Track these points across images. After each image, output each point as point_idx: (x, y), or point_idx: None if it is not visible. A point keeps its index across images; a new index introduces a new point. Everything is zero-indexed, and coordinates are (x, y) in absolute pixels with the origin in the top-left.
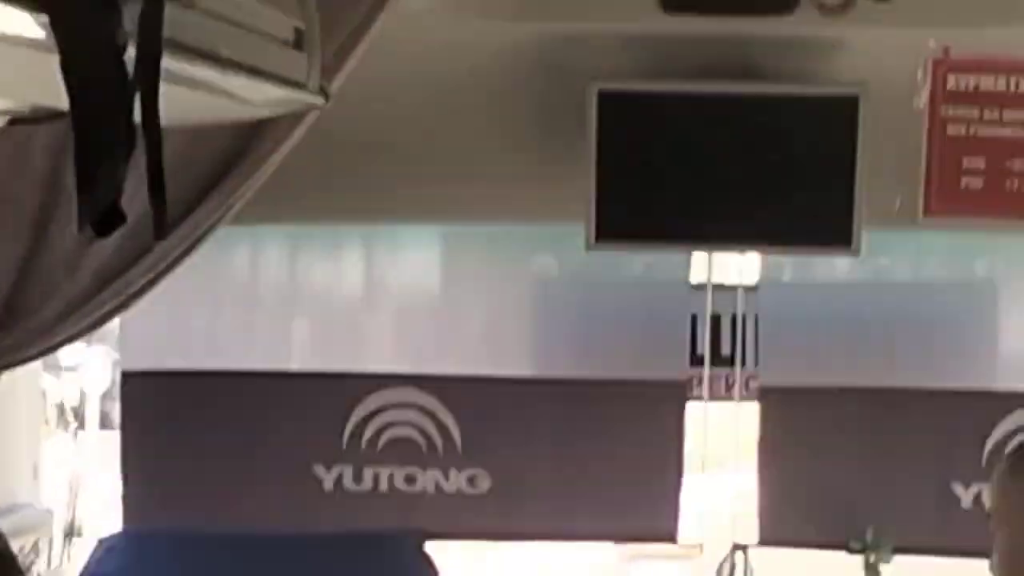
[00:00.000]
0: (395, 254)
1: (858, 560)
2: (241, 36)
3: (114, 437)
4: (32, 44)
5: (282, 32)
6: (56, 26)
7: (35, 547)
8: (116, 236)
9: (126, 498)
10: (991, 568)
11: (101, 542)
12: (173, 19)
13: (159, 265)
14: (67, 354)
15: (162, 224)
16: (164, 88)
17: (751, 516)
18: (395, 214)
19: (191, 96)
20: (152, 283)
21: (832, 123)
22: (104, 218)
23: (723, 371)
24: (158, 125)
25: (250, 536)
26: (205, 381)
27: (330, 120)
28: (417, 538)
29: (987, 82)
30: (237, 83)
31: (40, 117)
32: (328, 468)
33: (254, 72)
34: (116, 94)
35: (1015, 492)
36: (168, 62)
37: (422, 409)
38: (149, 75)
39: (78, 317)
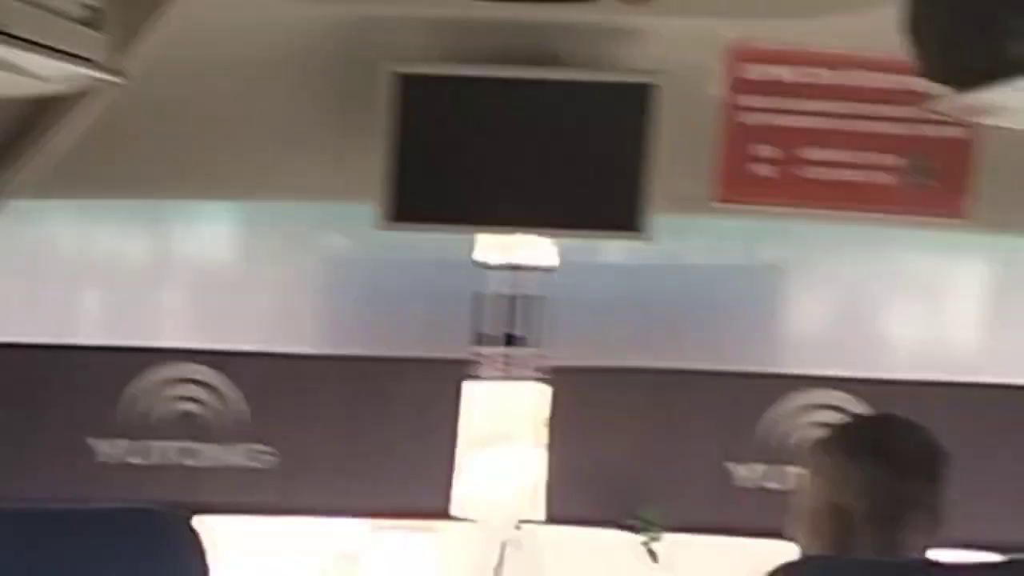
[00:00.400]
0: (187, 229)
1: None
2: (32, 13)
3: None
4: None
5: (75, 9)
6: None
7: None
8: None
9: None
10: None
11: None
12: None
13: None
14: None
15: None
16: None
17: (537, 493)
18: (188, 191)
19: None
20: None
21: (626, 110)
22: None
23: (512, 351)
24: None
25: (22, 511)
26: None
27: (124, 96)
28: (185, 511)
29: (783, 72)
30: (29, 59)
31: None
32: (104, 441)
33: (46, 49)
34: None
35: (810, 463)
36: None
37: (206, 384)
38: None
39: None
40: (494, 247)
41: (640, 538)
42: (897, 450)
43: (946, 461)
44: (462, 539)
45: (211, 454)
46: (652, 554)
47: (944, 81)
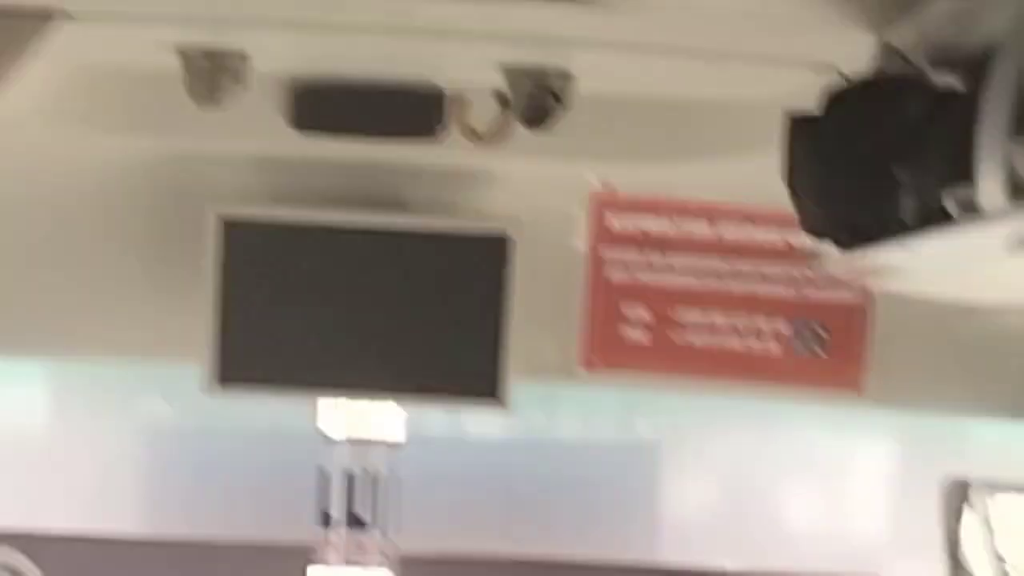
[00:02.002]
0: None
1: None
2: None
3: None
4: None
5: None
6: None
7: None
8: None
9: None
10: None
11: None
12: None
13: None
14: None
15: None
16: None
17: None
18: None
19: None
20: None
21: (479, 262)
22: None
23: (356, 533)
24: None
25: None
26: None
27: None
28: None
29: (653, 223)
30: None
31: None
32: None
33: None
34: None
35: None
36: None
37: (12, 571)
38: None
39: None
40: (338, 416)
41: None
42: None
43: None
44: None
45: None
46: None
47: (829, 238)
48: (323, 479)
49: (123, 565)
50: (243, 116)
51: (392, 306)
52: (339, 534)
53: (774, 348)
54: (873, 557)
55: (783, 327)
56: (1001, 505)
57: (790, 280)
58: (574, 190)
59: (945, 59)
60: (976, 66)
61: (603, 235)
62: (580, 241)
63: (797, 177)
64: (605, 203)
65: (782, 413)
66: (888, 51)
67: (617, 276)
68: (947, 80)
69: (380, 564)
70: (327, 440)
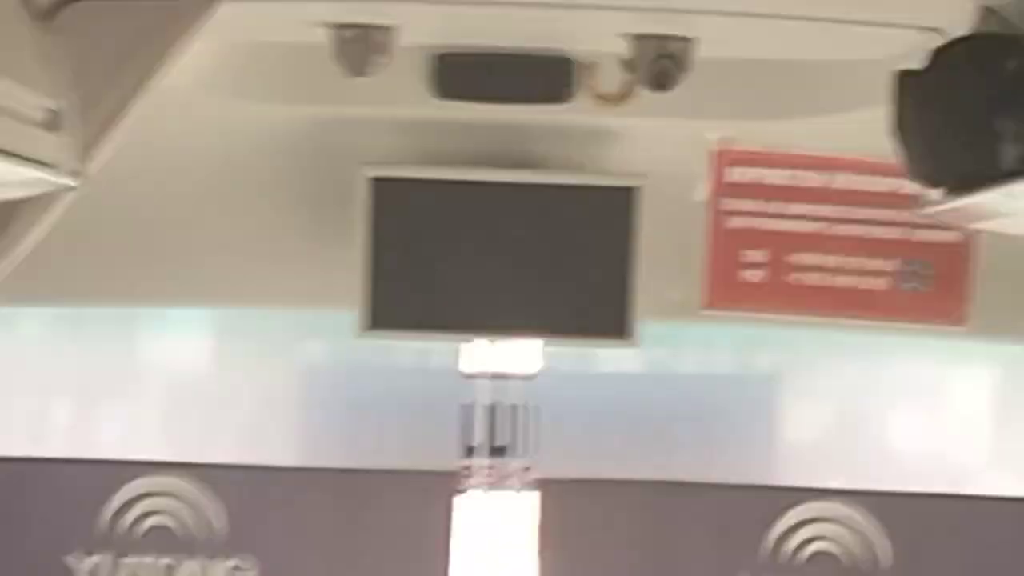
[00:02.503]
0: (159, 337)
1: None
2: None
3: None
4: None
5: (35, 112)
6: None
7: None
8: None
9: None
10: None
11: None
12: None
13: None
14: None
15: None
16: None
17: None
18: (159, 297)
19: None
20: None
21: (609, 214)
22: None
23: (499, 461)
24: None
25: None
26: None
27: (91, 199)
28: None
29: (768, 175)
30: None
31: None
32: (83, 558)
33: (4, 154)
34: None
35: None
36: None
37: (185, 498)
38: None
39: None
40: (479, 354)
41: None
42: None
43: None
44: None
45: (190, 570)
46: None
47: (934, 185)
48: (466, 412)
49: (284, 490)
50: (388, 84)
51: (529, 254)
52: (482, 462)
53: (882, 285)
54: (975, 477)
55: (891, 266)
56: None
57: (897, 223)
58: (695, 146)
59: None
60: None
61: (723, 187)
62: (701, 193)
63: (904, 129)
64: (725, 157)
65: (890, 346)
66: (987, 13)
67: (736, 224)
68: None
69: (520, 488)
70: (469, 376)
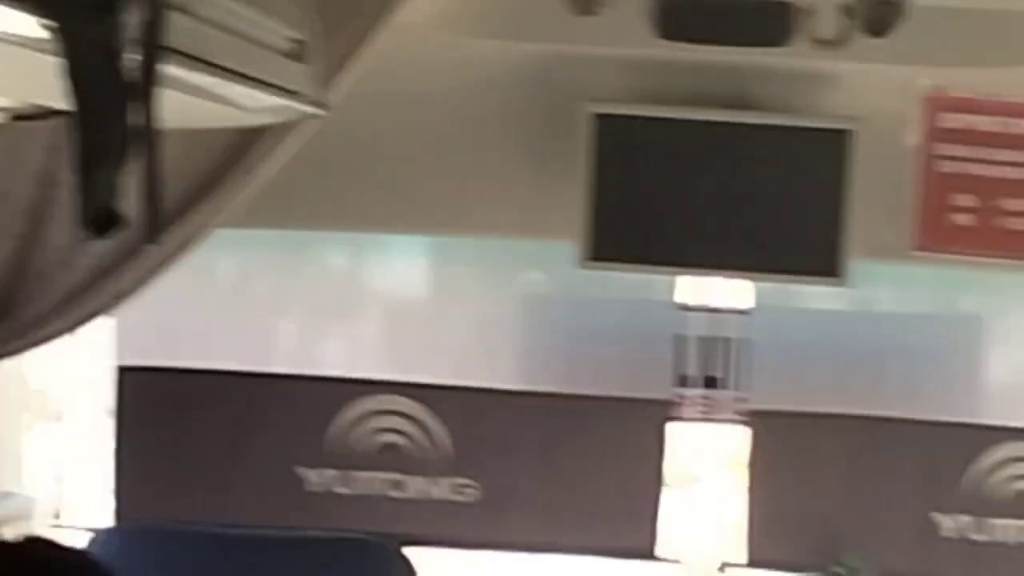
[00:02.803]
0: (385, 261)
1: None
2: (240, 45)
3: (101, 429)
4: (34, 44)
5: (281, 43)
6: (58, 29)
7: None
8: None
9: (118, 492)
10: None
11: (94, 538)
12: (174, 26)
13: (152, 264)
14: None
15: (156, 228)
16: (163, 93)
17: (739, 536)
18: (387, 223)
19: (189, 102)
20: (144, 281)
21: (823, 155)
22: (103, 219)
23: (712, 392)
24: (157, 130)
25: (235, 535)
26: (196, 379)
27: (325, 128)
28: (397, 542)
29: (980, 122)
30: (235, 91)
31: (39, 115)
32: (312, 470)
33: (252, 81)
34: (115, 99)
35: None
36: (168, 68)
37: (410, 417)
38: (149, 81)
39: (70, 311)
40: (694, 288)
41: None
42: None
43: None
44: None
45: (416, 487)
46: None
47: None
48: (680, 343)
49: (503, 412)
50: (613, 24)
51: (744, 193)
52: (695, 392)
53: None
54: None
55: None
56: None
57: None
58: (908, 91)
59: None
60: None
61: (934, 132)
62: (913, 137)
63: None
64: (936, 103)
65: None
66: None
67: (946, 168)
68: None
69: (732, 419)
70: (684, 309)
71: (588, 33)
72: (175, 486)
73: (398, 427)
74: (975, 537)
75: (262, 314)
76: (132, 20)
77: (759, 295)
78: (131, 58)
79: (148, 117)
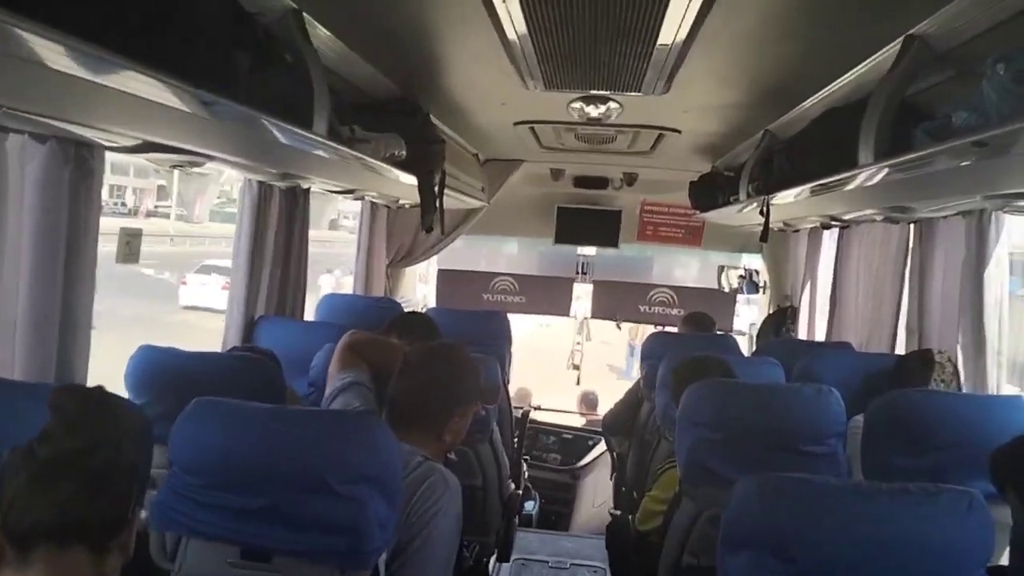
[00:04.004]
0: None
1: None
2: (471, 188)
3: None
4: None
5: (478, 192)
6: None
7: None
8: None
9: None
10: None
11: None
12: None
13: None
14: None
15: (431, 223)
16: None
17: None
18: None
19: (458, 199)
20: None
21: None
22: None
23: None
24: (441, 202)
25: None
26: None
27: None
28: None
29: None
30: (473, 201)
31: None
32: None
33: (477, 199)
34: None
35: None
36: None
37: None
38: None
39: None
40: None
41: None
42: None
43: None
44: None
45: None
46: None
47: None
48: None
49: None
50: None
51: None
52: None
53: None
54: None
55: None
56: None
57: None
58: None
59: None
60: None
61: None
62: None
63: None
64: None
65: None
66: None
67: None
68: None
69: None
70: None
71: None
72: None
73: None
74: None
75: None
76: None
77: None
78: None
79: (440, 202)
